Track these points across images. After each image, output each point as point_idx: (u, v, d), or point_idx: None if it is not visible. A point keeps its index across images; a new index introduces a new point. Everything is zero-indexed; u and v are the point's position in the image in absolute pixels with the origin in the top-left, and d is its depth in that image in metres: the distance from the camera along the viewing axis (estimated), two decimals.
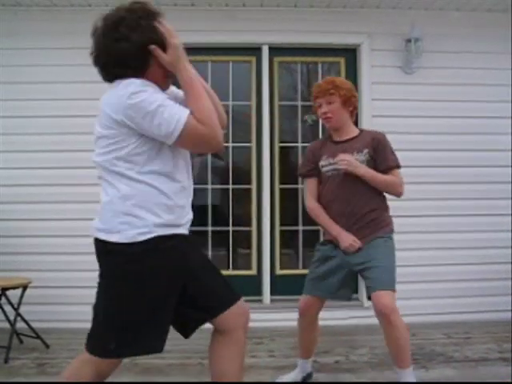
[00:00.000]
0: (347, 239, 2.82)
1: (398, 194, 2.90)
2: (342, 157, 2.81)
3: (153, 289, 1.82)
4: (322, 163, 2.98)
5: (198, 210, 4.95)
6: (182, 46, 1.88)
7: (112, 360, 1.91)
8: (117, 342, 1.82)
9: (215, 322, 2.09)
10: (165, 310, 1.88)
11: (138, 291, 1.80)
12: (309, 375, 3.17)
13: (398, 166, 2.91)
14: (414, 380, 2.74)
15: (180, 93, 2.02)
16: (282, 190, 4.73)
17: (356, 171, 2.79)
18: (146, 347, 1.89)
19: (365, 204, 2.87)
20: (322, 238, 4.73)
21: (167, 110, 1.78)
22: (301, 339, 3.14)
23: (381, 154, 2.87)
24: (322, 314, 4.44)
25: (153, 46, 1.86)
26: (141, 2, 1.94)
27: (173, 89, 2.07)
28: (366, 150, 2.87)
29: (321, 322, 4.40)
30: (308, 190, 3.06)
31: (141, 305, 1.82)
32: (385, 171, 2.86)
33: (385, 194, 2.93)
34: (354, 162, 2.80)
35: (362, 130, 3.05)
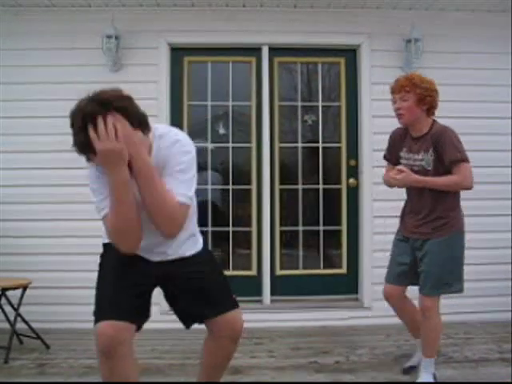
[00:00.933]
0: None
1: (467, 189, 2.93)
2: (398, 169, 2.97)
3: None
4: (401, 154, 3.12)
5: (198, 210, 4.96)
6: (113, 150, 1.87)
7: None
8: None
9: (206, 322, 2.29)
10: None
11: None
12: None
13: (462, 159, 2.88)
14: (431, 369, 3.03)
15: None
16: (282, 190, 4.73)
17: (413, 184, 2.96)
18: None
19: (430, 203, 2.97)
20: (322, 239, 4.76)
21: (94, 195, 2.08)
22: (404, 322, 3.33)
23: (441, 151, 2.90)
24: (322, 314, 4.49)
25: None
26: (99, 94, 2.07)
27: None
28: (430, 150, 2.94)
29: (320, 323, 4.44)
30: (388, 169, 3.26)
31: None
32: (449, 167, 2.89)
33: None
34: (407, 176, 2.92)
35: (432, 127, 3.04)
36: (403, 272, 3.16)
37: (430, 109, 3.03)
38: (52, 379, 3.20)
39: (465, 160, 2.88)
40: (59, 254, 4.39)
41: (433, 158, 2.93)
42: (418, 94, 2.95)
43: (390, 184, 3.14)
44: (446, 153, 2.88)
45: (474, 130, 4.55)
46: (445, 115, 4.49)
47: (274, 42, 4.62)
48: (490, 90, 4.60)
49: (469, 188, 2.91)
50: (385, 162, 3.36)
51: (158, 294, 4.28)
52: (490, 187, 4.39)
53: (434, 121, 3.07)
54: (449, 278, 3.01)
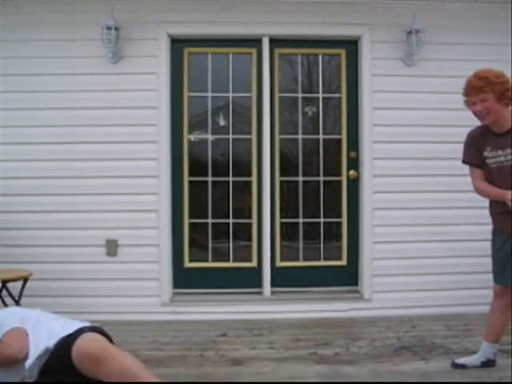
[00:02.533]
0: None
1: None
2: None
3: None
4: (485, 154, 2.99)
5: (199, 202, 4.99)
6: None
7: None
8: None
9: None
10: None
11: None
12: (490, 361, 3.14)
13: None
14: (491, 353, 3.11)
15: None
16: (282, 182, 4.72)
17: None
18: None
19: None
20: (322, 231, 4.77)
21: None
22: (492, 321, 3.12)
23: None
24: (322, 306, 4.50)
25: None
26: None
27: None
28: None
29: (320, 314, 4.45)
30: (476, 175, 3.07)
31: None
32: None
33: None
34: None
35: None
36: None
37: (510, 102, 2.92)
38: None
39: None
40: (60, 246, 4.40)
41: None
42: (496, 92, 2.85)
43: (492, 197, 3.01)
44: None
45: (475, 121, 4.52)
46: (446, 107, 4.53)
47: (275, 33, 4.59)
48: None
49: None
50: (466, 166, 3.16)
51: (157, 287, 4.28)
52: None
53: None
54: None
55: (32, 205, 4.41)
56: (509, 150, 2.90)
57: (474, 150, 3.06)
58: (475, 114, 2.95)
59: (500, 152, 2.93)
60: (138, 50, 4.49)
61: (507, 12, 4.45)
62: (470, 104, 2.96)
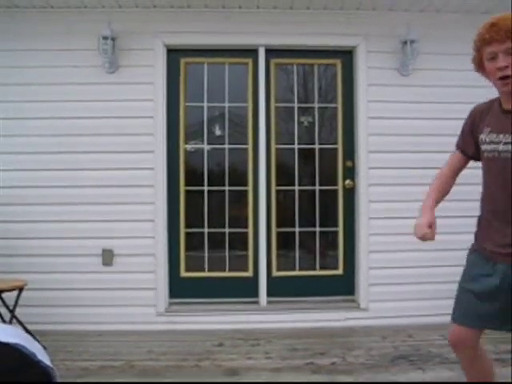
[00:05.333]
0: (420, 224, 2.23)
1: None
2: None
3: None
4: (482, 137, 2.18)
5: (195, 211, 4.98)
6: None
7: None
8: None
9: None
10: None
11: None
12: None
13: None
14: None
15: None
16: (278, 191, 4.72)
17: None
18: None
19: None
20: (318, 240, 4.77)
21: None
22: (470, 374, 2.33)
23: None
24: (319, 315, 4.49)
25: None
26: None
27: None
28: None
29: (317, 324, 4.45)
30: (448, 160, 2.45)
31: None
32: None
33: None
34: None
35: None
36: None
37: None
38: None
39: None
40: (55, 256, 4.38)
41: None
42: None
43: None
44: None
45: None
46: (441, 117, 4.55)
47: (271, 43, 4.62)
48: (486, 92, 4.59)
49: None
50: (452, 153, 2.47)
51: (153, 296, 4.27)
52: None
53: None
54: None
55: (28, 214, 4.40)
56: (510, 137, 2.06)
57: (468, 135, 2.30)
58: (497, 75, 2.07)
59: (501, 137, 2.08)
60: (135, 60, 4.50)
61: None
62: (488, 57, 2.11)
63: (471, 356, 2.25)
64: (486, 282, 2.15)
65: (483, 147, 2.16)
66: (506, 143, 2.04)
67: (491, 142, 2.11)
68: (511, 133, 2.03)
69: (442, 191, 2.42)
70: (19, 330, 1.23)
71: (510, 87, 2.03)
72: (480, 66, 2.24)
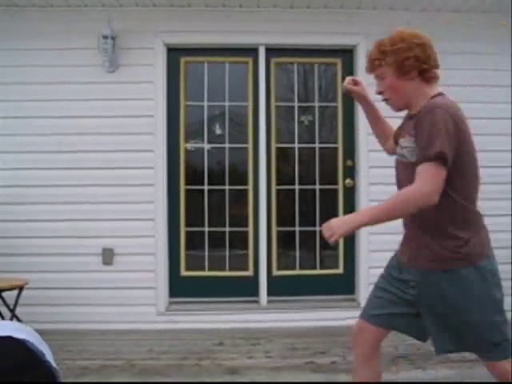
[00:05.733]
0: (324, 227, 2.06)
1: (427, 204, 1.89)
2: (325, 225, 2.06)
3: None
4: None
5: (195, 210, 4.98)
6: None
7: None
8: None
9: None
10: None
11: None
12: None
13: (428, 158, 1.89)
14: None
15: None
16: (278, 190, 4.72)
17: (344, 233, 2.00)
18: None
19: (432, 213, 1.95)
20: (318, 239, 4.76)
21: None
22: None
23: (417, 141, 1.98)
24: (319, 315, 4.49)
25: None
26: None
27: None
28: (412, 134, 2.04)
29: (317, 323, 4.45)
30: None
31: None
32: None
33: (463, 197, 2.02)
34: (332, 225, 2.03)
35: (427, 102, 2.06)
36: None
37: (423, 72, 2.12)
38: None
39: (431, 158, 1.88)
40: (56, 255, 4.38)
41: (416, 145, 1.99)
42: (391, 64, 2.08)
43: None
44: (418, 143, 1.96)
45: (474, 130, 4.52)
46: None
47: (271, 42, 4.62)
48: (489, 91, 4.59)
49: (430, 201, 1.87)
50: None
51: (153, 295, 4.27)
52: (490, 187, 4.36)
53: (439, 94, 2.12)
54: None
55: (28, 213, 4.40)
56: (403, 142, 2.10)
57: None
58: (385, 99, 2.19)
59: (399, 141, 2.16)
60: (135, 59, 4.50)
61: (505, 21, 4.48)
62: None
63: None
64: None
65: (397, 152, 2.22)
66: (402, 148, 2.11)
67: (398, 146, 2.19)
68: (404, 136, 2.11)
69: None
70: (30, 328, 1.23)
71: (393, 107, 2.19)
72: None
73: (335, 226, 2.00)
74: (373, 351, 2.42)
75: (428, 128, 1.91)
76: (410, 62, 2.08)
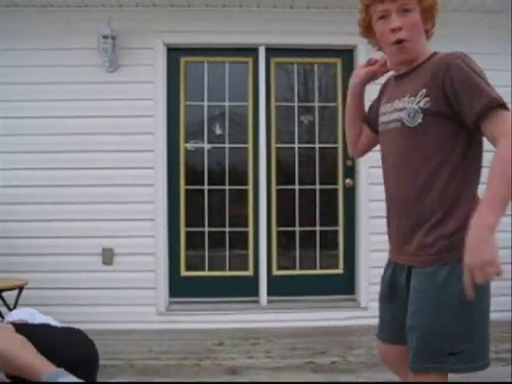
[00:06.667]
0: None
1: None
2: None
3: None
4: (380, 111, 1.91)
5: (195, 210, 4.98)
6: None
7: None
8: None
9: None
10: None
11: None
12: None
13: (499, 103, 1.53)
14: None
15: None
16: (278, 190, 4.72)
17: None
18: None
19: (429, 195, 1.71)
20: (318, 239, 4.76)
21: None
22: None
23: (451, 93, 1.59)
24: (319, 315, 4.48)
25: None
26: None
27: None
28: (423, 90, 1.66)
29: (317, 323, 4.44)
30: None
31: None
32: (475, 124, 1.56)
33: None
34: (484, 263, 1.55)
35: (432, 55, 1.83)
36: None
37: (432, 28, 1.95)
38: None
39: (502, 104, 1.53)
40: (56, 255, 4.38)
41: (428, 105, 1.63)
42: (424, 1, 1.79)
43: None
44: (462, 96, 1.57)
45: None
46: None
47: (271, 42, 4.62)
48: None
49: None
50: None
51: (153, 295, 4.27)
52: None
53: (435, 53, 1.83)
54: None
55: (28, 213, 4.40)
56: (397, 104, 1.74)
57: (373, 105, 2.09)
58: (389, 38, 1.78)
59: (388, 107, 1.82)
60: (135, 59, 4.50)
61: (506, 21, 4.47)
62: (378, 17, 1.82)
63: None
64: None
65: (380, 120, 1.86)
66: (392, 111, 1.75)
67: (385, 114, 1.82)
68: (400, 97, 1.73)
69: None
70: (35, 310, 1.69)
71: (405, 55, 1.77)
72: (367, 29, 1.96)
73: (487, 261, 1.55)
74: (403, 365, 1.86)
75: (471, 75, 1.58)
76: (435, 10, 1.86)
